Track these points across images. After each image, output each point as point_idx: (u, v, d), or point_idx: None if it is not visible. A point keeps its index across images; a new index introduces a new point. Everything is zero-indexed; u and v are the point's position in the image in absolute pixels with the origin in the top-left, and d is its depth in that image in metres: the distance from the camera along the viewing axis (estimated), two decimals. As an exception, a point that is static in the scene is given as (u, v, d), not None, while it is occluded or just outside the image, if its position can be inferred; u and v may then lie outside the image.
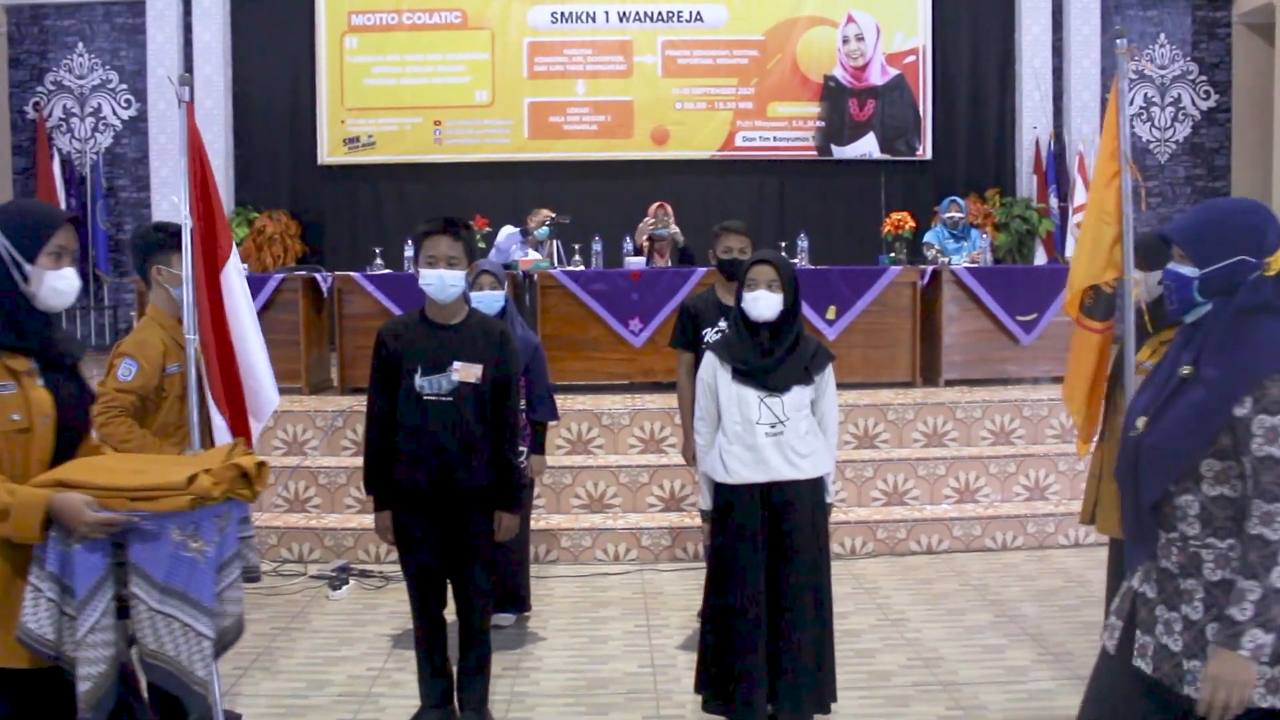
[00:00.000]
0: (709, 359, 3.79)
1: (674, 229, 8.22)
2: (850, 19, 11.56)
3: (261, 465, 2.80)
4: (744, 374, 3.67)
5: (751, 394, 3.66)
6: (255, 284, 7.70)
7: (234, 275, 3.78)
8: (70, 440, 2.68)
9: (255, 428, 3.90)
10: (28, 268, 2.59)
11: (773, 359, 3.67)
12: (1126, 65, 3.80)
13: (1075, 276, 3.92)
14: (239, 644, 4.90)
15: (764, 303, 3.67)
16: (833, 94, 11.61)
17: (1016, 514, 6.44)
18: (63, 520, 2.47)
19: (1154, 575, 2.46)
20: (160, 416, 3.98)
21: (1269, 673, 2.27)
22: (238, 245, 10.79)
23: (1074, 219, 11.18)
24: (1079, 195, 11.15)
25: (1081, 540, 6.33)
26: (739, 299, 3.74)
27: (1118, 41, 3.83)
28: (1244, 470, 2.30)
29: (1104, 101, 11.67)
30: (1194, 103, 11.97)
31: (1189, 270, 2.42)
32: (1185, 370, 2.40)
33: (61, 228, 2.65)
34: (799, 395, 3.67)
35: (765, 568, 3.64)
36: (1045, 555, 6.27)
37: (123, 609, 2.58)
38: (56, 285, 2.63)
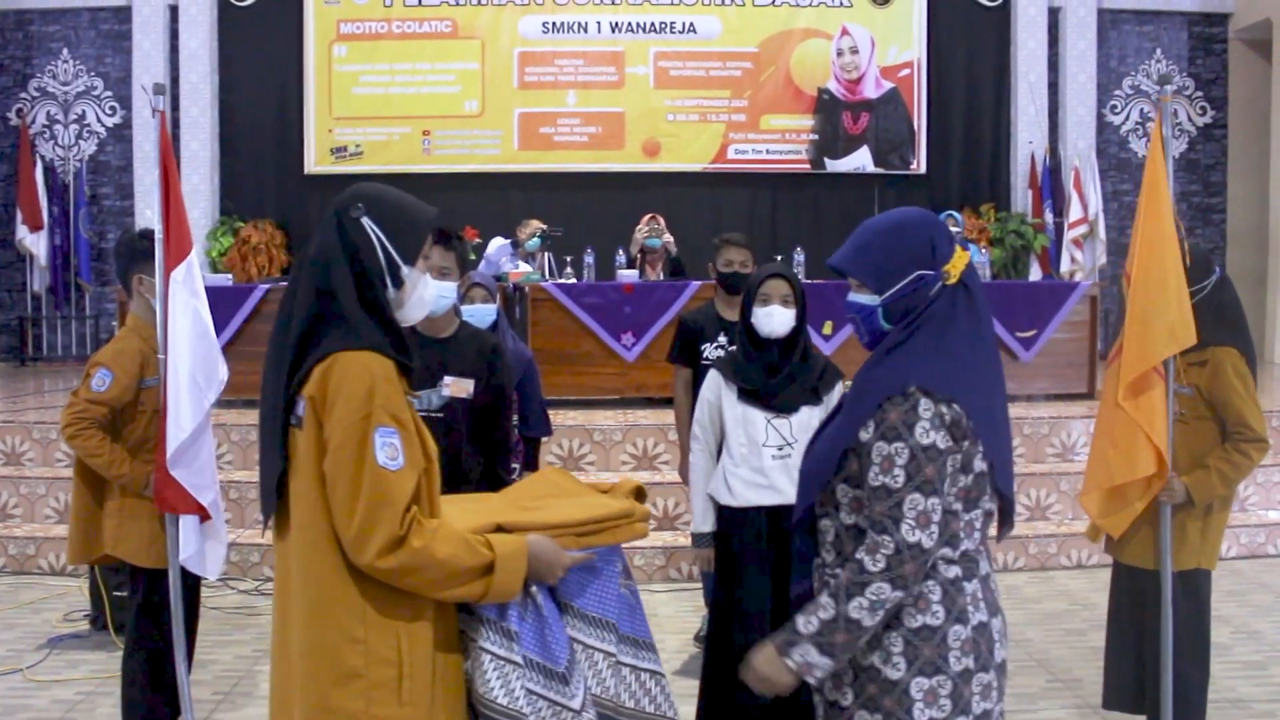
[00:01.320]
0: (713, 377, 3.64)
1: (667, 238, 8.10)
2: (845, 32, 11.47)
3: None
4: (750, 394, 3.53)
5: (758, 415, 3.51)
6: (239, 294, 7.56)
7: (180, 282, 3.45)
8: None
9: (181, 476, 3.43)
10: (405, 270, 2.14)
11: (780, 378, 3.53)
12: (1170, 113, 3.31)
13: (1147, 354, 3.28)
14: (220, 667, 4.77)
15: (778, 318, 3.52)
16: (826, 107, 11.51)
17: (1017, 534, 6.28)
18: (539, 567, 2.11)
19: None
20: (136, 431, 3.83)
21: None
22: (223, 255, 10.86)
23: (1069, 234, 11.13)
24: (1074, 210, 11.11)
25: (1084, 561, 6.21)
26: (745, 314, 3.60)
27: (1164, 88, 3.33)
28: (864, 498, 2.11)
29: (1100, 116, 11.65)
30: (1190, 119, 11.92)
31: (868, 299, 2.17)
32: (846, 384, 2.29)
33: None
34: (807, 416, 3.51)
35: (771, 593, 3.48)
36: (1048, 577, 6.13)
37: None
38: (425, 295, 2.21)
